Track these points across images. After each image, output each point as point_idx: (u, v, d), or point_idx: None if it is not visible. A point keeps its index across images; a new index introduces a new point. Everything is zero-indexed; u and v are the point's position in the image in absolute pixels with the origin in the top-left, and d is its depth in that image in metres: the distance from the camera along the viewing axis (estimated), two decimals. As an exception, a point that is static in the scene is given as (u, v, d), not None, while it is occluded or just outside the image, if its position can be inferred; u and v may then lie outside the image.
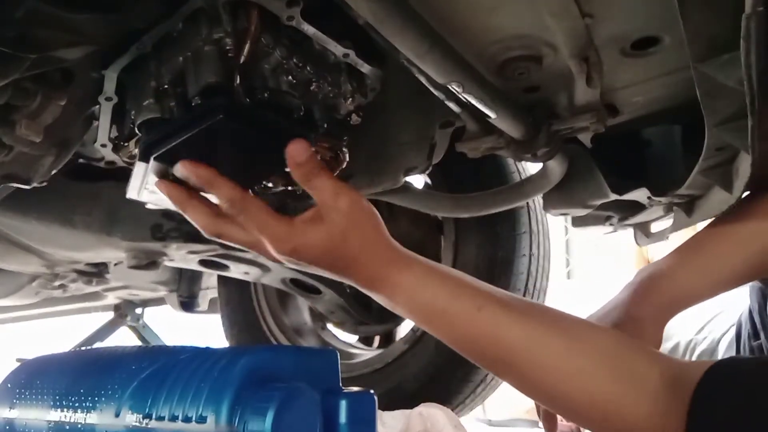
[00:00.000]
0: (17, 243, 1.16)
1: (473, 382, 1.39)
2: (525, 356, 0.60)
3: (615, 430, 0.59)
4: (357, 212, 0.64)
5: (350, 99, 0.87)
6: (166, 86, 0.75)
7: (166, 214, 1.13)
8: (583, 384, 0.58)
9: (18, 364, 0.87)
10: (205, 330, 2.39)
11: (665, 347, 1.38)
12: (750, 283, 1.09)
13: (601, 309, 0.87)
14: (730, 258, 0.82)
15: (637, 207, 1.14)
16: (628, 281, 0.87)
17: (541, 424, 0.84)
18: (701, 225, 0.93)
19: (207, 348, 0.69)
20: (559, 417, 0.85)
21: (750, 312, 1.10)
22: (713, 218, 0.88)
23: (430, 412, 1.12)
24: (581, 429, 0.89)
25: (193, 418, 0.59)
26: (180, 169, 0.67)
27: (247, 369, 0.60)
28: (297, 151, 0.66)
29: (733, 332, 1.20)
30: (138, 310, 2.54)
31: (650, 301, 0.83)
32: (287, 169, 0.92)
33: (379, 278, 0.64)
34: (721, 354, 1.24)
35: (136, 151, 0.82)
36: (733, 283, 0.85)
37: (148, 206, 0.87)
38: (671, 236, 1.22)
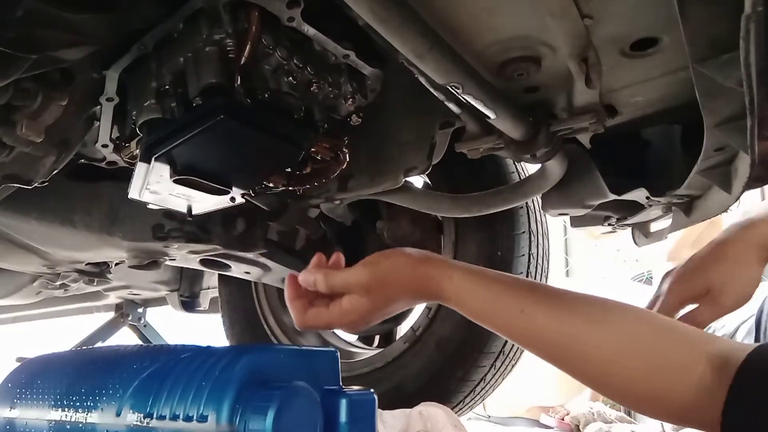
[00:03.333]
0: (18, 243, 1.16)
1: (473, 381, 1.39)
2: (567, 351, 0.64)
3: (666, 416, 0.63)
4: (382, 273, 0.71)
5: (350, 100, 0.87)
6: (167, 87, 0.75)
7: (167, 213, 1.13)
8: (625, 373, 0.61)
9: (18, 363, 0.87)
10: (206, 329, 2.39)
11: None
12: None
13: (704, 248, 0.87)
14: None
15: (635, 207, 1.14)
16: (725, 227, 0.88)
17: (541, 421, 0.85)
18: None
19: (208, 347, 0.69)
20: (557, 417, 0.85)
21: None
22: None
23: (430, 411, 1.12)
24: (580, 428, 0.88)
25: (194, 417, 0.59)
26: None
27: (248, 368, 0.60)
28: (296, 284, 0.75)
29: (752, 321, 1.20)
30: (140, 310, 2.54)
31: (749, 238, 0.84)
32: (288, 169, 0.93)
33: (428, 296, 0.72)
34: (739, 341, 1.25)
35: (138, 151, 0.82)
36: None
37: (150, 206, 0.88)
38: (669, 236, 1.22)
